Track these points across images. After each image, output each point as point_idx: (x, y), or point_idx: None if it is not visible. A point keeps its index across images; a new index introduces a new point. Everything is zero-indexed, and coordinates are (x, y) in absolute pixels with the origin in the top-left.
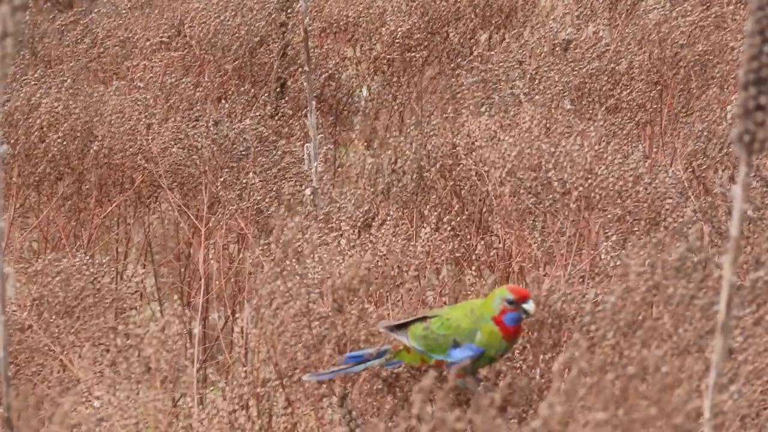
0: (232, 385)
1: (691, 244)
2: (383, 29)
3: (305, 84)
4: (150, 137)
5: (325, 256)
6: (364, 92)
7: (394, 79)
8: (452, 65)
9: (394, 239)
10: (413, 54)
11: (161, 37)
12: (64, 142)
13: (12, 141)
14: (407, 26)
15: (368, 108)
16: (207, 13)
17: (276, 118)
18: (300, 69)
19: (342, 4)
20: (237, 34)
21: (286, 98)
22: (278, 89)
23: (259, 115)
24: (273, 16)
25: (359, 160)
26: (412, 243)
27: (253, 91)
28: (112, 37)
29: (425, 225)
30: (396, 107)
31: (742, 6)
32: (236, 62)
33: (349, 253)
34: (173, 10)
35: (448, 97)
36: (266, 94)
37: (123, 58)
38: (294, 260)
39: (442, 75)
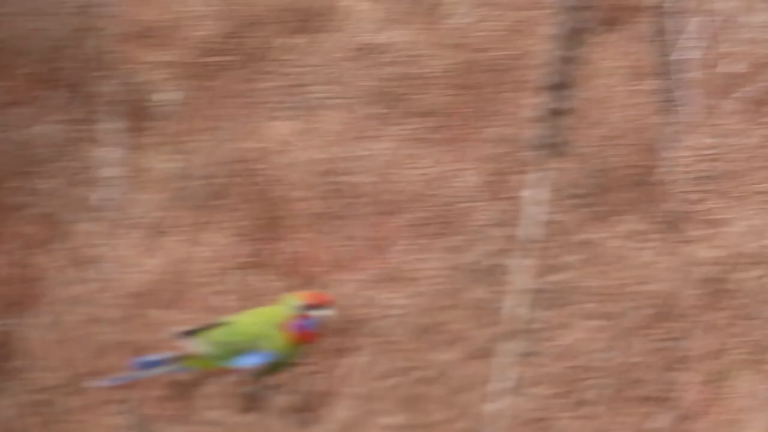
0: (15, 392)
1: (486, 248)
2: (182, 34)
3: (104, 89)
4: None
5: (113, 263)
6: (164, 96)
7: (195, 84)
8: (250, 69)
9: (185, 245)
10: (213, 58)
11: None
12: None
13: None
14: (206, 32)
15: (168, 113)
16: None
17: (72, 123)
18: (100, 73)
19: (142, 7)
20: (31, 38)
21: (85, 103)
22: (79, 94)
23: (54, 120)
24: (69, 20)
25: (157, 166)
26: (202, 248)
27: (48, 95)
28: None
29: (217, 230)
30: (195, 112)
31: (546, 11)
32: (29, 67)
33: (139, 259)
34: None
35: (247, 101)
36: (64, 99)
37: None
38: (83, 266)
39: (241, 80)
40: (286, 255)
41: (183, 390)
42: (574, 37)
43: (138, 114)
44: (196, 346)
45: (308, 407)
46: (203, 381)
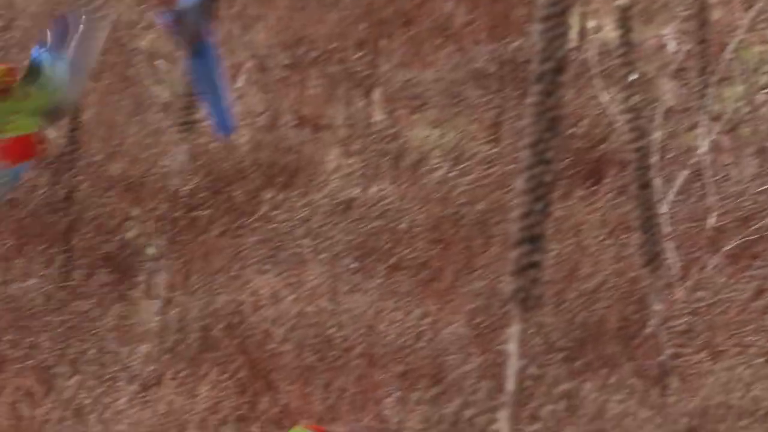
0: None
1: (469, 398)
2: (166, 188)
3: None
4: None
5: (108, 415)
6: (154, 250)
7: (180, 237)
8: (237, 224)
9: (176, 397)
10: (198, 213)
11: None
12: None
13: None
14: (191, 186)
15: (158, 266)
16: None
17: (64, 277)
18: (89, 228)
19: (126, 163)
20: (20, 193)
21: (76, 257)
22: (68, 249)
23: (46, 274)
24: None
25: (148, 318)
26: (196, 400)
27: (38, 250)
28: None
29: (210, 382)
30: (184, 265)
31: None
32: (20, 221)
33: (134, 411)
34: None
35: (235, 254)
36: (54, 254)
37: None
38: (80, 418)
39: (228, 233)
40: (278, 408)
41: None
42: (543, 190)
43: (128, 267)
44: None
45: None
46: None
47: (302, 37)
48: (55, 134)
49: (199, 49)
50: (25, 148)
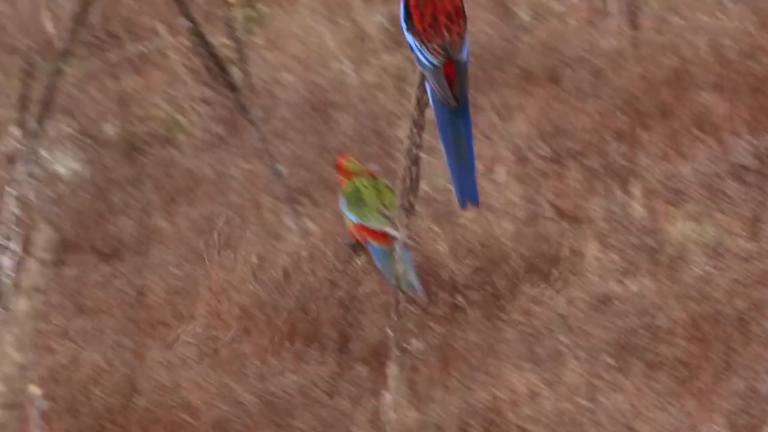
0: None
1: None
2: (442, 272)
3: (389, 331)
4: (194, 391)
5: None
6: (412, 345)
7: (439, 330)
8: (496, 317)
9: None
10: (457, 301)
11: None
12: (107, 397)
13: (54, 396)
14: (454, 271)
15: (411, 359)
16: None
17: (335, 372)
18: (350, 321)
19: None
20: (289, 291)
21: (337, 352)
22: (331, 344)
23: (306, 369)
24: (332, 266)
25: (405, 416)
26: None
27: (301, 347)
28: (158, 287)
29: None
30: (440, 359)
31: None
32: (289, 316)
33: None
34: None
35: (491, 348)
36: (316, 349)
37: (172, 307)
38: None
39: (486, 327)
40: None
41: None
42: None
43: (384, 361)
44: None
45: None
46: None
47: (561, 128)
48: None
49: (458, 111)
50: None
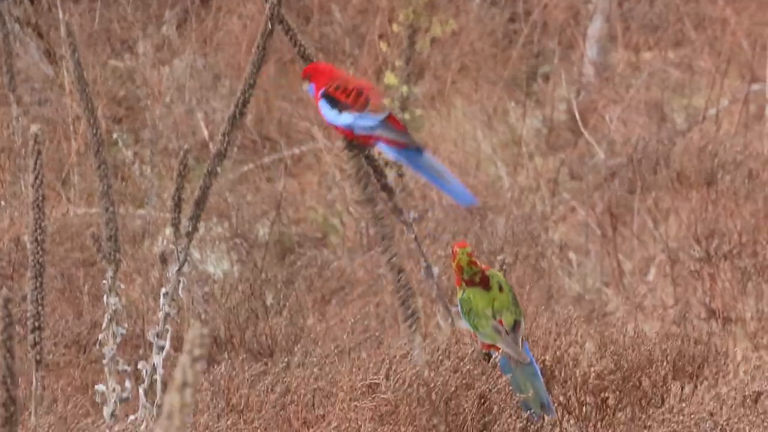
0: None
1: None
2: (577, 370)
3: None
4: None
5: None
6: None
7: (587, 423)
8: (644, 413)
9: None
10: (605, 395)
11: (366, 381)
12: None
13: None
14: (599, 368)
15: None
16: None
17: None
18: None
19: (540, 349)
20: (432, 384)
21: None
22: None
23: None
24: (468, 367)
25: None
26: None
27: None
28: (305, 385)
29: None
30: None
31: None
32: (430, 412)
33: None
34: (377, 356)
35: None
36: None
37: (316, 406)
38: None
39: (634, 422)
40: None
41: None
42: None
43: None
44: None
45: None
46: None
47: (714, 230)
48: None
49: (420, 150)
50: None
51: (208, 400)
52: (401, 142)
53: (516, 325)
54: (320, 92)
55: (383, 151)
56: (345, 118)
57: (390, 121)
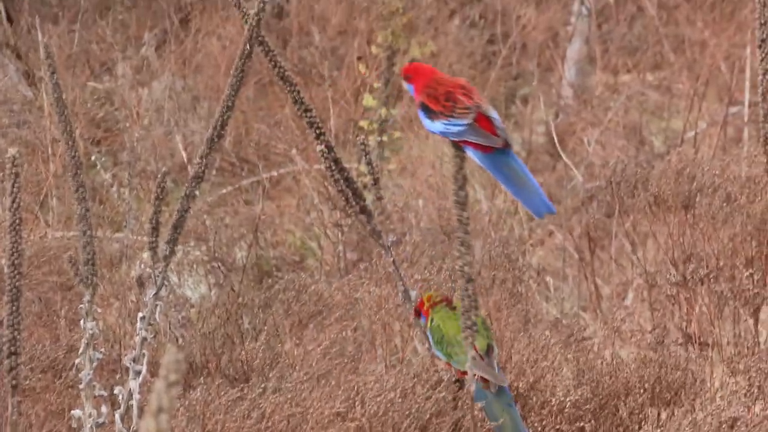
0: None
1: None
2: (553, 398)
3: None
4: None
5: None
6: None
7: None
8: None
9: None
10: (582, 425)
11: (336, 409)
12: None
13: None
14: (575, 397)
15: None
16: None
17: None
18: None
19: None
20: (406, 412)
21: None
22: None
23: None
24: (442, 394)
25: None
26: None
27: None
28: (279, 412)
29: None
30: None
31: None
32: None
33: None
34: (348, 382)
35: None
36: None
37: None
38: None
39: None
40: None
41: None
42: None
43: None
44: None
45: None
46: None
47: (692, 253)
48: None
49: (505, 154)
50: None
51: (183, 425)
52: (486, 146)
53: (489, 349)
54: (418, 101)
55: (470, 156)
56: (437, 126)
57: (478, 122)
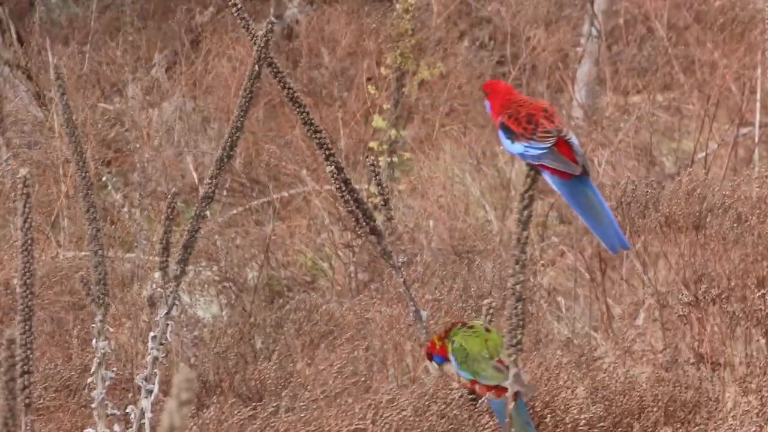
0: None
1: None
2: (567, 416)
3: None
4: None
5: None
6: None
7: None
8: None
9: None
10: None
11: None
12: None
13: None
14: (589, 415)
15: None
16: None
17: None
18: None
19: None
20: (420, 430)
21: None
22: None
23: None
24: (455, 412)
25: None
26: None
27: None
28: (293, 430)
29: None
30: None
31: None
32: None
33: None
34: (364, 400)
35: None
36: None
37: None
38: None
39: None
40: None
41: None
42: None
43: None
44: None
45: None
46: None
47: (703, 274)
48: None
49: (582, 181)
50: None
51: None
52: (564, 172)
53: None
54: (499, 121)
55: (548, 181)
56: (516, 148)
57: (558, 147)
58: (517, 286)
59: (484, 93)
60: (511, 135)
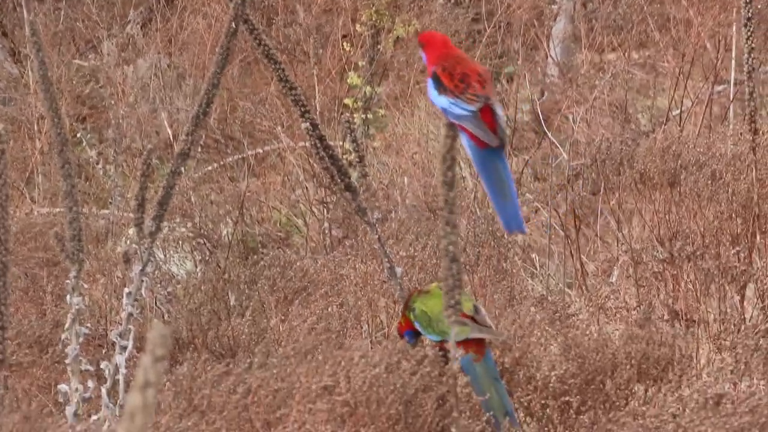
0: None
1: None
2: (538, 373)
3: None
4: None
5: None
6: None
7: (549, 425)
8: (607, 416)
9: None
10: (566, 399)
11: (322, 383)
12: None
13: None
14: (561, 371)
15: None
16: (365, 364)
17: None
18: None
19: (498, 351)
20: (392, 387)
21: None
22: None
23: None
24: (428, 369)
25: None
26: None
27: None
28: (265, 386)
29: None
30: None
31: None
32: (390, 414)
33: None
34: (334, 357)
35: None
36: None
37: (277, 407)
38: None
39: (597, 426)
40: None
41: None
42: None
43: None
44: None
45: None
46: None
47: (677, 231)
48: None
49: (496, 153)
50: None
51: (170, 400)
52: (481, 140)
53: (476, 310)
54: (432, 70)
55: (464, 145)
56: (441, 101)
57: (482, 114)
58: (450, 247)
59: (420, 44)
60: (440, 87)
